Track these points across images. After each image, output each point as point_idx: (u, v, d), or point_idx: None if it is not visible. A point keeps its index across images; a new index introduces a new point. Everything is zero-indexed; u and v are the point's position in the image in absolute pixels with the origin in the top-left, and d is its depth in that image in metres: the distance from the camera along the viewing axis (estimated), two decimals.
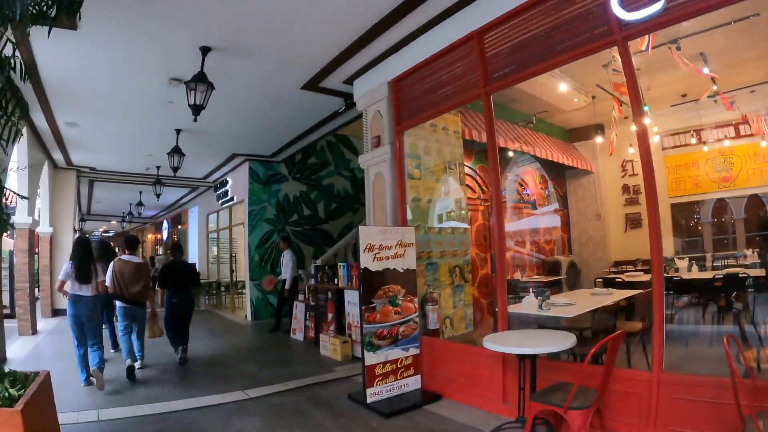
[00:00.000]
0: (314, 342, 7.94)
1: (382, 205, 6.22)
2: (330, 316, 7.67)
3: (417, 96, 5.79)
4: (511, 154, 8.96)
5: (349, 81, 6.84)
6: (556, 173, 10.47)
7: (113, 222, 24.74)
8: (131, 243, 6.61)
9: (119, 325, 6.20)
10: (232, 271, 12.68)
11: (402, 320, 5.21)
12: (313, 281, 8.42)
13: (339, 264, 7.58)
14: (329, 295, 7.71)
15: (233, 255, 12.82)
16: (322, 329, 7.83)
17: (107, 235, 31.23)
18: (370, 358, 4.91)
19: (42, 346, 8.19)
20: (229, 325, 11.11)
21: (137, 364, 6.14)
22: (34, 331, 9.16)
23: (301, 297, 8.90)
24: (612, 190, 10.07)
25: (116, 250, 9.81)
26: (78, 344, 5.38)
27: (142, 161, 11.76)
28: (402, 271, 5.29)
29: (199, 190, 16.03)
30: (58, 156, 10.98)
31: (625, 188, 9.89)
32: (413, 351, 5.25)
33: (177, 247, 7.60)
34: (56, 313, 11.89)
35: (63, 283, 5.37)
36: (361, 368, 4.95)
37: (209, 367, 6.67)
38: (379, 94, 6.20)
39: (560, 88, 7.16)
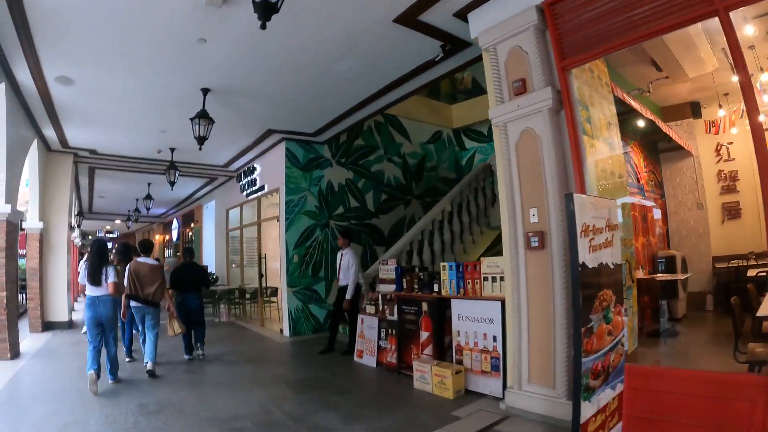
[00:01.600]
0: (396, 369, 5.82)
1: (536, 174, 4.13)
2: (425, 335, 5.49)
3: (591, 20, 4.00)
4: (642, 124, 7.21)
5: (462, 13, 4.87)
6: (653, 157, 9.28)
7: (117, 221, 22.52)
8: (145, 246, 6.76)
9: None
10: (261, 275, 10.47)
11: (612, 343, 3.26)
12: (393, 288, 6.23)
13: (444, 264, 5.39)
14: (423, 307, 5.53)
15: (263, 256, 10.62)
16: (410, 353, 5.66)
17: (111, 236, 28.88)
18: (586, 410, 2.93)
19: (23, 378, 5.98)
20: (261, 342, 8.90)
21: (148, 365, 5.97)
22: (14, 354, 6.94)
23: (368, 308, 6.72)
24: (707, 177, 8.93)
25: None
26: (93, 345, 5.28)
27: (154, 141, 9.59)
28: (612, 267, 3.28)
29: (217, 182, 13.84)
30: (50, 133, 8.81)
31: (721, 175, 8.72)
32: (619, 388, 3.39)
33: (188, 250, 8.13)
34: (49, 326, 9.70)
35: (83, 287, 5.47)
36: (488, 410, 3.88)
37: (255, 420, 4.44)
38: (519, 23, 4.39)
39: (696, 46, 5.98)
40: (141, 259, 6.34)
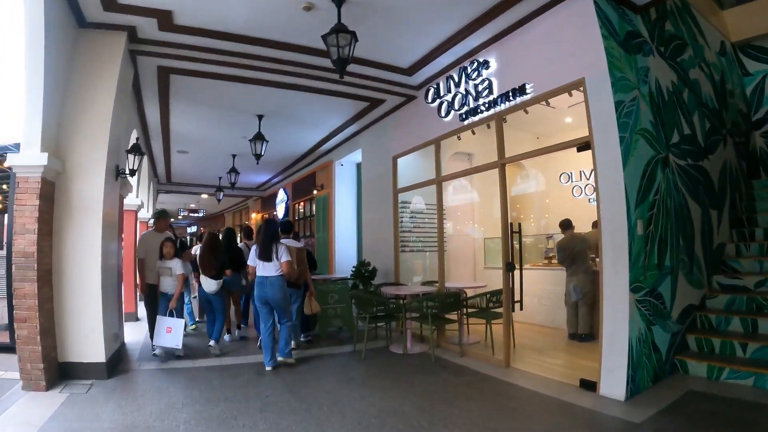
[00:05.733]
0: None
1: None
2: None
3: None
4: None
5: None
6: None
7: (204, 195, 17.80)
8: (287, 227, 6.51)
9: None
10: (511, 268, 4.58)
11: None
12: None
13: None
14: None
15: (514, 229, 4.75)
16: None
17: (196, 215, 24.31)
18: None
19: None
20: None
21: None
22: None
23: None
24: None
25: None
26: (265, 326, 5.22)
27: None
28: None
29: (376, 113, 8.09)
30: None
31: None
32: None
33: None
34: (68, 372, 4.31)
35: (254, 269, 5.29)
36: None
37: None
38: None
39: None
40: (284, 241, 5.69)
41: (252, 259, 5.30)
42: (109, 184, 4.99)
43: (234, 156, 10.90)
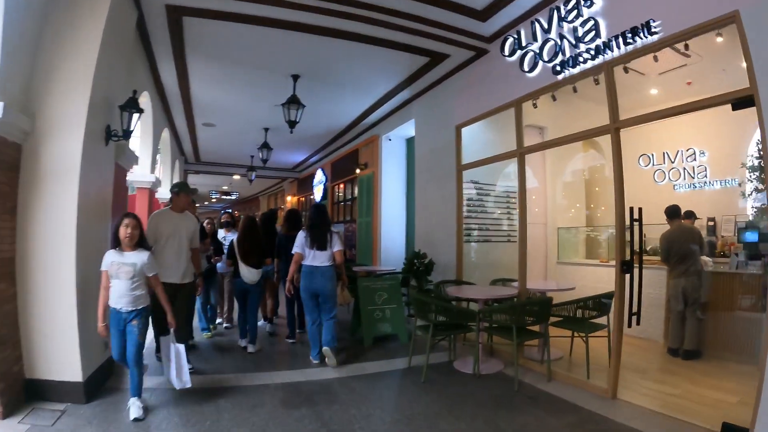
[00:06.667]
0: None
1: None
2: None
3: None
4: None
5: None
6: None
7: (236, 176, 16.77)
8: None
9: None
10: (629, 267, 3.35)
11: None
12: None
13: None
14: None
15: (634, 216, 3.39)
16: None
17: (229, 198, 23.24)
18: None
19: None
20: None
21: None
22: None
23: None
24: None
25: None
26: (312, 322, 4.93)
27: None
28: None
29: (432, 75, 6.65)
30: None
31: None
32: None
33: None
34: (35, 392, 3.11)
35: (300, 256, 4.84)
36: None
37: None
38: None
39: None
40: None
41: (300, 247, 4.86)
42: (93, 149, 3.79)
43: (266, 130, 9.68)
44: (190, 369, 3.91)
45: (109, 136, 4.09)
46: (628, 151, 7.15)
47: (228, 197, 23.84)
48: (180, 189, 4.45)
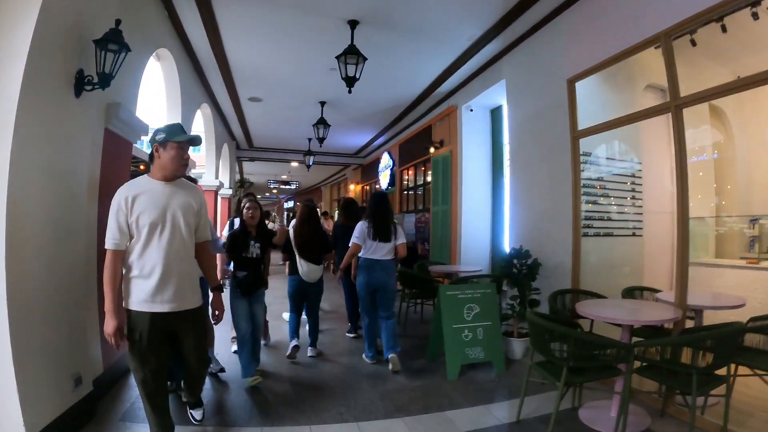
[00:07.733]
0: None
1: None
2: None
3: None
4: None
5: None
6: None
7: (294, 163, 15.38)
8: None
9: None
10: None
11: None
12: None
13: None
14: None
15: None
16: None
17: (288, 188, 22.00)
18: None
19: None
20: None
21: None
22: None
23: None
24: None
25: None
26: (370, 320, 4.63)
27: None
28: None
29: (518, 25, 5.02)
30: None
31: None
32: None
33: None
34: None
35: (358, 247, 4.52)
36: None
37: None
38: None
39: None
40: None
41: (360, 239, 4.53)
42: (45, 100, 2.49)
43: (322, 104, 8.31)
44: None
45: (83, 83, 2.79)
46: (757, 125, 5.33)
47: (287, 187, 22.90)
48: (172, 135, 2.51)
